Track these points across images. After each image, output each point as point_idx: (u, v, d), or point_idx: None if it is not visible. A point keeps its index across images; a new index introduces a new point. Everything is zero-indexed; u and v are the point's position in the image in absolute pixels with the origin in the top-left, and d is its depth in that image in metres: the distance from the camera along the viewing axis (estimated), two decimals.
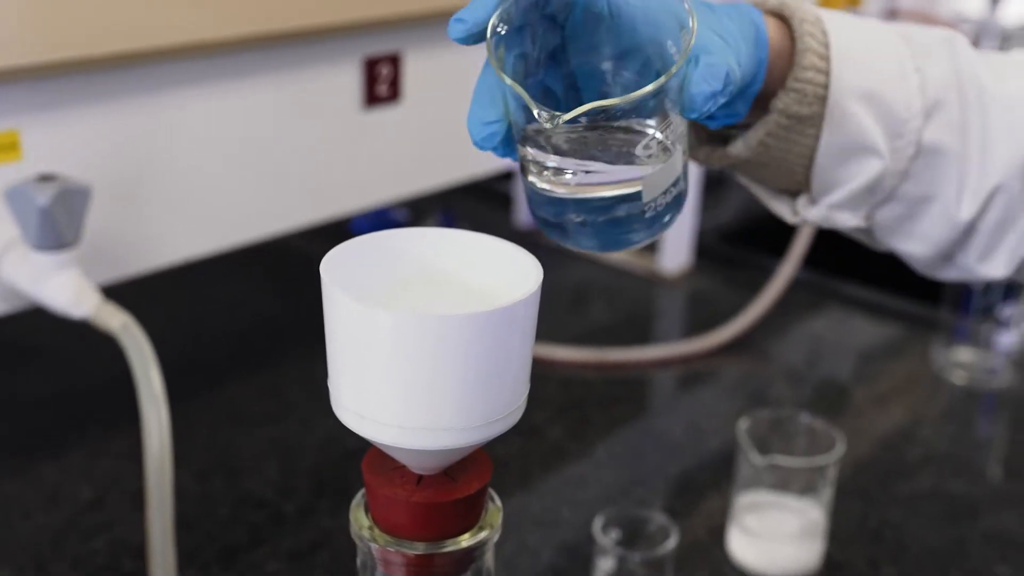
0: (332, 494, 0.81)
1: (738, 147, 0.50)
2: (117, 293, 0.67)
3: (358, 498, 0.41)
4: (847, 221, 0.51)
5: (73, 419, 0.89)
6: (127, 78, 0.67)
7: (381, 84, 0.83)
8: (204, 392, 0.95)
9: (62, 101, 0.64)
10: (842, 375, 1.06)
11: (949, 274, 0.54)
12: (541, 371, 1.03)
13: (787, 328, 1.13)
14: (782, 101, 0.48)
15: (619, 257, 1.27)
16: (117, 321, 0.60)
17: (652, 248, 1.26)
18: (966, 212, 0.50)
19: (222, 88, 0.72)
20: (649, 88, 0.39)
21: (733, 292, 1.18)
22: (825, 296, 1.20)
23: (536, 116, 0.39)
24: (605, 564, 0.68)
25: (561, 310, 1.16)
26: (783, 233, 1.19)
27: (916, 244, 0.52)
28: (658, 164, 0.42)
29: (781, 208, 0.53)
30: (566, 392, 0.99)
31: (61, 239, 0.61)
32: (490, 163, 0.92)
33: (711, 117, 0.47)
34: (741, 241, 1.37)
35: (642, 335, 1.11)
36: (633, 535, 0.70)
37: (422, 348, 0.35)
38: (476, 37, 0.42)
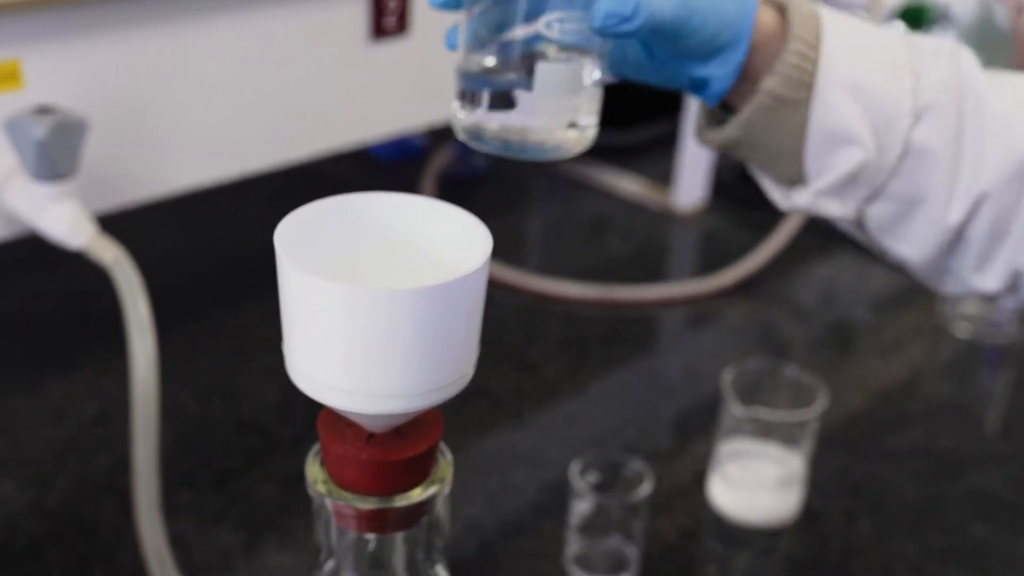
0: None
1: (731, 126, 0.52)
2: (129, 215, 0.69)
3: (314, 451, 0.43)
4: (834, 210, 0.53)
5: (83, 338, 0.91)
6: (130, 8, 0.67)
7: (388, 16, 0.82)
8: (210, 315, 0.97)
9: (64, 30, 0.65)
10: (846, 323, 1.06)
11: (947, 286, 0.56)
12: (545, 307, 1.04)
13: (796, 272, 1.13)
14: (768, 82, 0.51)
15: (633, 191, 1.27)
16: (110, 254, 0.62)
17: (667, 183, 1.25)
18: (954, 216, 0.52)
19: (226, 18, 0.72)
20: None
21: (746, 232, 1.18)
22: (837, 241, 1.19)
23: None
24: (581, 507, 0.70)
25: (571, 242, 1.17)
26: None
27: (908, 246, 0.54)
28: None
29: (775, 193, 0.55)
30: (568, 329, 1.00)
31: (57, 171, 0.62)
32: None
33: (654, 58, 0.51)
34: None
35: (651, 272, 1.11)
36: (611, 479, 0.71)
37: (369, 319, 0.36)
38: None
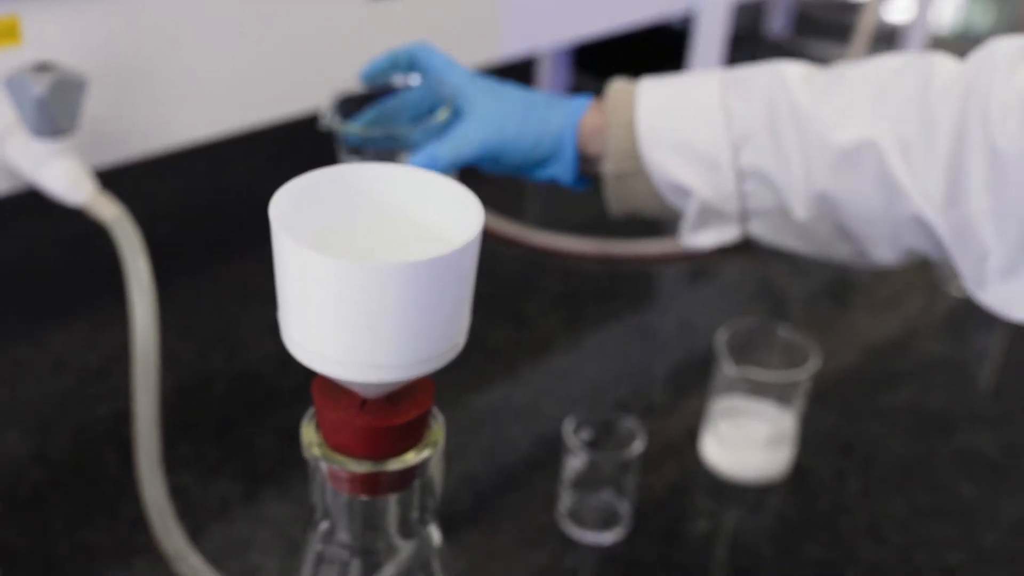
0: None
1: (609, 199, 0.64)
2: (128, 164, 0.69)
3: (309, 414, 0.44)
4: (715, 239, 0.62)
5: (83, 290, 0.92)
6: None
7: None
8: (210, 266, 0.98)
9: None
10: (843, 280, 1.06)
11: (866, 263, 0.62)
12: (542, 260, 1.05)
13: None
14: (605, 166, 0.62)
15: None
16: (109, 212, 0.62)
17: None
18: (801, 215, 0.58)
19: None
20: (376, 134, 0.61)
21: None
22: None
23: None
24: (574, 463, 0.71)
25: (570, 196, 1.17)
26: None
27: (804, 244, 0.61)
28: None
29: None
30: (565, 283, 1.01)
31: (56, 127, 0.63)
32: (502, 51, 0.92)
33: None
34: None
35: (650, 228, 1.12)
36: (604, 437, 0.72)
37: (361, 293, 0.36)
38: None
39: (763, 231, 0.61)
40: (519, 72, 1.35)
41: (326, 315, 0.37)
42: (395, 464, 0.42)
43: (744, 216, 0.61)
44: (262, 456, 0.77)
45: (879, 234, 0.58)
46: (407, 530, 0.44)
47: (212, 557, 0.67)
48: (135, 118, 0.71)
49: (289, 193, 0.40)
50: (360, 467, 0.42)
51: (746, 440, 0.77)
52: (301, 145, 1.16)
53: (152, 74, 0.71)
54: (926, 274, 1.07)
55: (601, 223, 1.10)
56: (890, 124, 0.56)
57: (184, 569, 0.61)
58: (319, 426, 0.42)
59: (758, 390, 0.77)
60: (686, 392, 0.87)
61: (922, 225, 0.56)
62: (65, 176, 0.64)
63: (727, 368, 0.75)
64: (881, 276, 1.07)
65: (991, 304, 0.55)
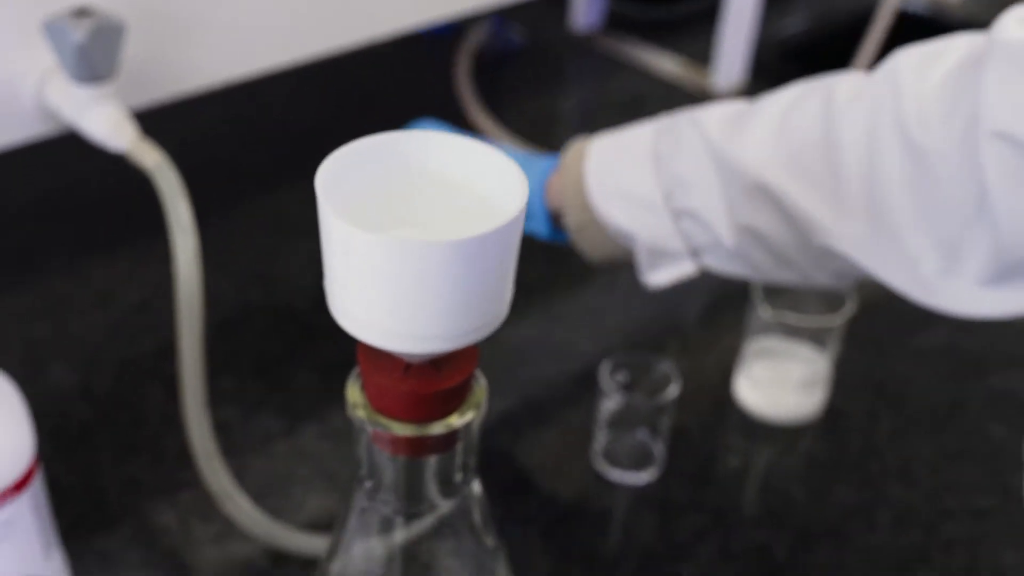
0: None
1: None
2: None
3: (354, 374, 0.45)
4: (669, 276, 0.66)
5: (124, 225, 0.93)
6: None
7: None
8: (248, 199, 0.98)
9: None
10: None
11: (811, 287, 0.69)
12: None
13: None
14: (567, 219, 0.67)
15: (670, 70, 1.25)
16: (151, 159, 0.63)
17: (706, 62, 1.24)
18: (730, 243, 0.62)
19: None
20: None
21: None
22: None
23: None
24: (609, 404, 0.72)
25: (607, 123, 1.16)
26: (846, 52, 1.17)
27: (753, 274, 0.64)
28: None
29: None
30: None
31: (96, 73, 0.63)
32: None
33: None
34: (802, 58, 1.34)
35: None
36: (639, 379, 0.73)
37: (408, 269, 0.37)
38: None
39: (715, 263, 0.65)
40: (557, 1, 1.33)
41: (373, 290, 0.38)
42: (439, 427, 0.43)
43: (694, 252, 0.65)
44: (303, 392, 0.78)
45: (807, 262, 0.61)
46: (449, 489, 0.46)
47: (255, 493, 0.69)
48: (170, 59, 0.71)
49: (334, 164, 0.40)
50: (404, 430, 0.43)
51: (780, 382, 0.78)
52: (336, 81, 1.15)
53: (186, 13, 0.70)
54: None
55: None
56: (791, 158, 0.59)
57: (231, 508, 0.63)
58: (364, 389, 0.43)
59: (793, 332, 0.77)
60: (721, 331, 0.87)
61: (838, 254, 0.59)
62: (106, 123, 0.64)
63: (762, 311, 0.76)
64: None
65: (941, 306, 0.57)
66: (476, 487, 0.47)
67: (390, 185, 0.41)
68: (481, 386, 0.45)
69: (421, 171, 0.41)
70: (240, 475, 0.71)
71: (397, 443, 0.43)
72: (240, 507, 0.63)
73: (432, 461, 0.45)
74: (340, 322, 0.40)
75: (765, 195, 0.60)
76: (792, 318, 0.75)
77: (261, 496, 0.69)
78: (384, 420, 0.43)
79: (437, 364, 0.43)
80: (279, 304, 0.87)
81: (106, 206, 0.96)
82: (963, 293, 0.55)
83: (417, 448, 0.44)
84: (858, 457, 0.76)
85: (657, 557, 0.68)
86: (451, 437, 0.44)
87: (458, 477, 0.45)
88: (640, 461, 0.73)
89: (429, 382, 0.42)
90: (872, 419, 0.80)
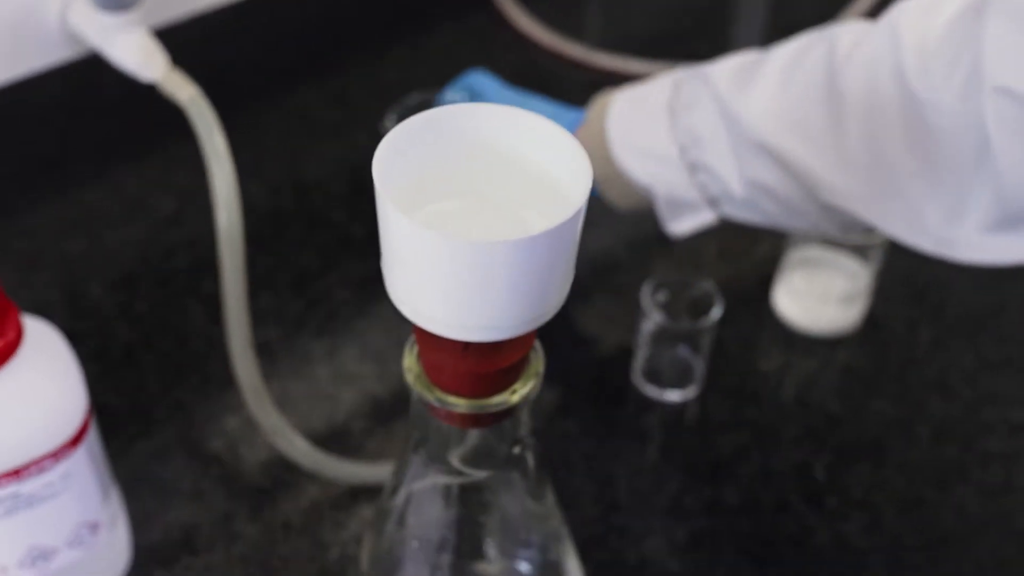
0: None
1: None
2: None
3: (411, 342, 0.44)
4: (689, 226, 0.68)
5: (149, 127, 0.91)
6: None
7: None
8: (273, 96, 0.96)
9: None
10: None
11: (820, 235, 0.72)
12: (613, 83, 1.02)
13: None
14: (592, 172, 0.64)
15: None
16: (184, 94, 0.61)
17: None
18: (740, 195, 0.64)
19: None
20: None
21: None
22: None
23: None
24: (650, 326, 0.72)
25: (634, 12, 1.12)
26: None
27: (765, 220, 0.66)
28: None
29: None
30: None
31: (121, 2, 0.61)
32: None
33: None
34: None
35: (718, 45, 1.07)
36: (680, 299, 0.73)
37: (467, 267, 0.36)
38: None
39: (732, 212, 0.66)
40: None
41: (434, 283, 0.37)
42: (497, 401, 0.43)
43: (711, 202, 0.66)
44: (342, 308, 0.78)
45: (815, 214, 0.62)
46: (507, 456, 0.46)
47: (300, 421, 0.70)
48: None
49: (389, 146, 0.39)
50: (462, 406, 0.43)
51: (821, 294, 0.77)
52: None
53: None
54: None
55: (665, 40, 1.06)
56: (793, 116, 0.60)
57: (280, 442, 0.64)
58: (421, 362, 0.43)
59: (836, 243, 0.76)
60: (760, 239, 0.86)
61: (843, 210, 0.60)
62: (135, 53, 0.62)
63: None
64: None
65: (947, 255, 0.58)
66: (532, 461, 0.47)
67: (448, 159, 0.40)
68: (538, 355, 0.45)
69: (480, 144, 0.40)
70: (283, 401, 0.71)
71: (454, 417, 0.43)
72: (290, 441, 0.64)
73: (488, 431, 0.45)
74: (398, 307, 0.40)
75: (769, 153, 0.61)
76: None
77: (306, 423, 0.70)
78: (442, 394, 0.43)
79: (497, 343, 0.42)
80: (311, 212, 0.86)
81: (130, 109, 0.94)
82: (968, 241, 0.56)
83: (475, 422, 0.44)
84: (898, 369, 0.76)
85: (699, 477, 0.69)
86: (509, 410, 0.44)
87: (516, 448, 0.46)
88: (680, 380, 0.74)
89: (489, 361, 0.42)
90: (911, 329, 0.79)
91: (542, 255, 0.36)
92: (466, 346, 0.42)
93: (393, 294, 0.40)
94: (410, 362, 0.44)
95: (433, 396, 0.43)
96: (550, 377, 0.74)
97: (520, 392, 0.43)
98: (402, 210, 0.39)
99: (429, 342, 0.42)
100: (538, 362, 0.44)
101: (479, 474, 0.46)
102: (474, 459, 0.45)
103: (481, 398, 0.43)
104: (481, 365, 0.41)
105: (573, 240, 0.38)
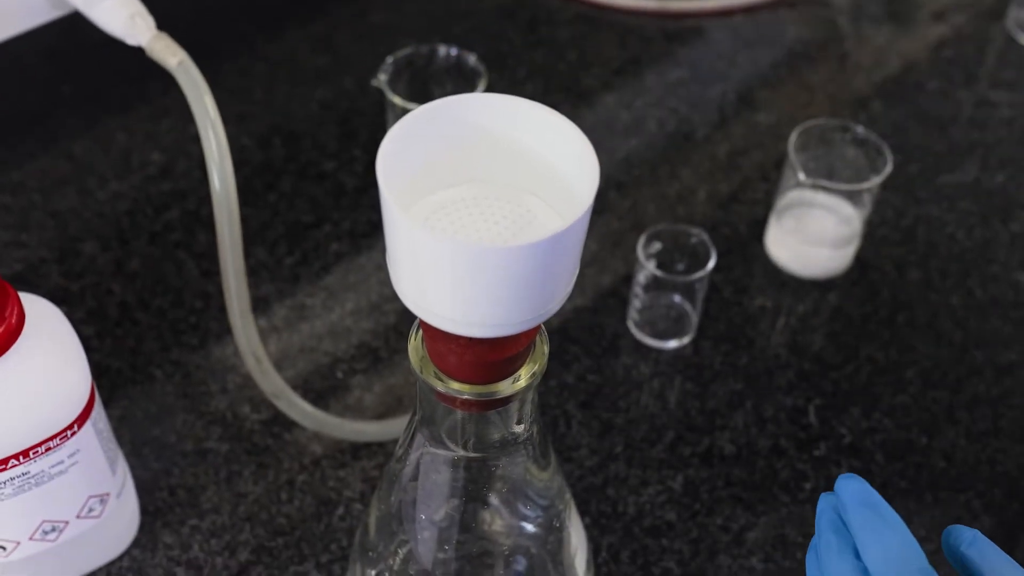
0: None
1: None
2: None
3: (416, 327, 0.45)
4: None
5: (136, 78, 0.89)
6: None
7: None
8: (258, 41, 0.95)
9: None
10: (904, 23, 1.02)
11: None
12: (599, 18, 1.01)
13: None
14: None
15: None
16: (173, 60, 0.60)
17: None
18: None
19: None
20: None
21: None
22: None
23: None
24: (644, 274, 0.72)
25: None
26: None
27: None
28: None
29: None
30: (624, 49, 0.98)
31: None
32: None
33: None
34: None
35: None
36: (675, 248, 0.73)
37: (473, 268, 0.36)
38: None
39: None
40: None
41: (439, 282, 0.37)
42: (503, 387, 0.44)
43: None
44: (337, 262, 0.78)
45: None
46: (510, 436, 0.47)
47: (299, 379, 0.71)
48: None
49: (392, 142, 0.39)
50: (468, 392, 0.43)
51: (812, 237, 0.78)
52: None
53: None
54: (998, 22, 1.02)
55: None
56: None
57: (282, 405, 0.65)
58: (427, 348, 0.44)
59: (827, 187, 0.76)
60: (751, 182, 0.86)
61: None
62: (120, 14, 0.61)
63: (800, 175, 0.75)
64: (945, 23, 1.02)
65: None
66: (536, 440, 0.48)
67: (452, 147, 0.40)
68: (544, 337, 0.45)
69: (484, 132, 0.40)
70: (281, 357, 0.72)
71: (460, 402, 0.44)
72: (291, 404, 0.65)
73: (494, 414, 0.46)
74: (404, 301, 0.40)
75: None
76: (828, 183, 0.75)
77: (305, 382, 0.71)
78: (447, 380, 0.43)
79: None
80: (302, 162, 0.85)
81: (116, 60, 0.92)
82: None
83: (480, 406, 0.44)
84: (888, 312, 0.77)
85: (694, 427, 0.70)
86: (514, 395, 0.44)
87: (519, 428, 0.46)
88: (675, 328, 0.74)
89: (495, 351, 0.42)
90: (900, 270, 0.80)
91: (549, 256, 0.37)
92: (472, 338, 0.42)
93: (398, 289, 0.40)
94: (415, 345, 0.45)
95: (439, 382, 0.43)
96: (545, 327, 0.75)
97: (526, 377, 0.44)
98: (408, 197, 0.40)
99: (434, 333, 0.42)
100: (543, 344, 0.45)
101: (484, 454, 0.47)
102: (479, 441, 0.46)
103: (487, 384, 0.43)
104: (487, 355, 0.42)
105: (580, 238, 0.38)
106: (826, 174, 0.77)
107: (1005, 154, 0.90)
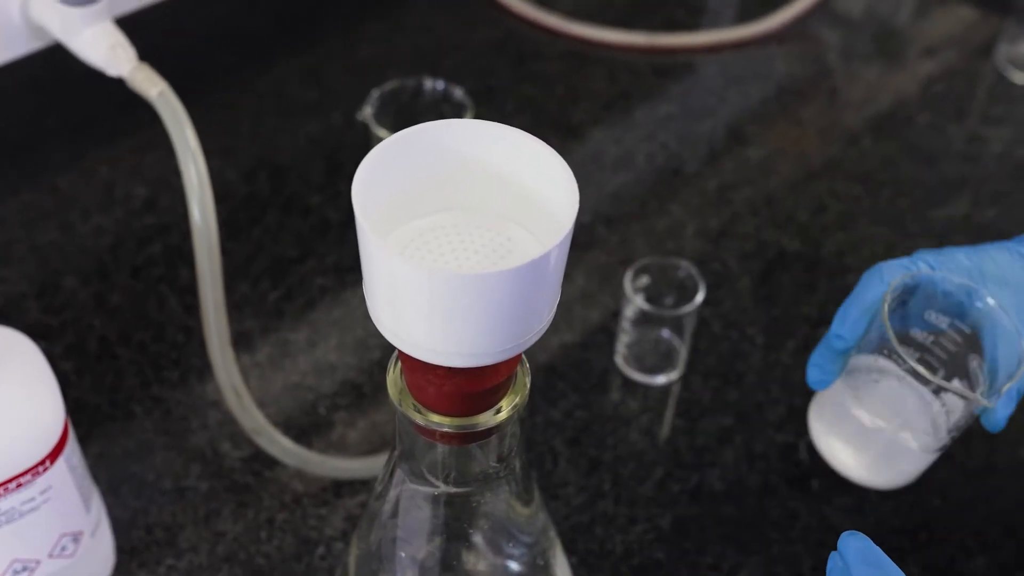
0: None
1: None
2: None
3: (395, 358, 0.44)
4: None
5: (122, 112, 0.89)
6: None
7: None
8: (246, 74, 0.94)
9: None
10: (894, 59, 1.02)
11: None
12: (588, 53, 1.00)
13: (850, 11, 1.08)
14: None
15: None
16: (154, 90, 0.59)
17: None
18: None
19: None
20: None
21: None
22: None
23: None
24: (631, 309, 0.71)
25: None
26: None
27: None
28: None
29: None
30: (613, 84, 0.97)
31: None
32: None
33: None
34: None
35: (696, 10, 1.06)
36: (663, 282, 0.72)
37: (450, 296, 0.35)
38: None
39: None
40: None
41: (416, 311, 0.36)
42: (483, 419, 0.43)
43: None
44: (321, 297, 0.77)
45: None
46: (492, 470, 0.45)
47: (282, 414, 0.70)
48: None
49: (368, 169, 0.38)
50: (447, 424, 0.42)
51: None
52: None
53: None
54: (986, 58, 1.02)
55: (642, 10, 1.05)
56: None
57: (263, 442, 0.63)
58: (406, 381, 0.43)
59: None
60: (742, 217, 0.86)
61: None
62: (101, 46, 0.61)
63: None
64: (937, 59, 1.02)
65: None
66: (519, 471, 0.47)
67: (431, 174, 0.39)
68: (526, 368, 0.44)
69: (463, 159, 0.39)
70: (263, 393, 0.71)
71: (439, 435, 0.43)
72: (272, 441, 0.63)
73: (475, 447, 0.44)
74: (381, 331, 0.39)
75: None
76: None
77: (288, 418, 0.70)
78: (427, 413, 0.42)
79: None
80: (287, 196, 0.84)
81: (100, 93, 0.92)
82: None
83: (461, 439, 0.43)
84: None
85: (683, 463, 0.69)
86: (494, 428, 0.43)
87: (499, 465, 0.45)
88: (664, 363, 0.73)
89: (474, 381, 0.41)
90: None
91: (528, 283, 0.36)
92: (451, 368, 0.41)
93: (375, 317, 0.39)
94: (394, 377, 0.43)
95: (418, 415, 0.42)
96: (533, 360, 0.74)
97: (507, 408, 0.43)
98: (386, 225, 0.39)
99: (413, 364, 0.41)
100: (525, 375, 0.44)
101: (466, 489, 0.46)
102: (460, 475, 0.45)
103: (467, 416, 0.42)
104: (467, 385, 0.41)
105: (560, 265, 0.37)
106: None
107: (996, 189, 0.90)
